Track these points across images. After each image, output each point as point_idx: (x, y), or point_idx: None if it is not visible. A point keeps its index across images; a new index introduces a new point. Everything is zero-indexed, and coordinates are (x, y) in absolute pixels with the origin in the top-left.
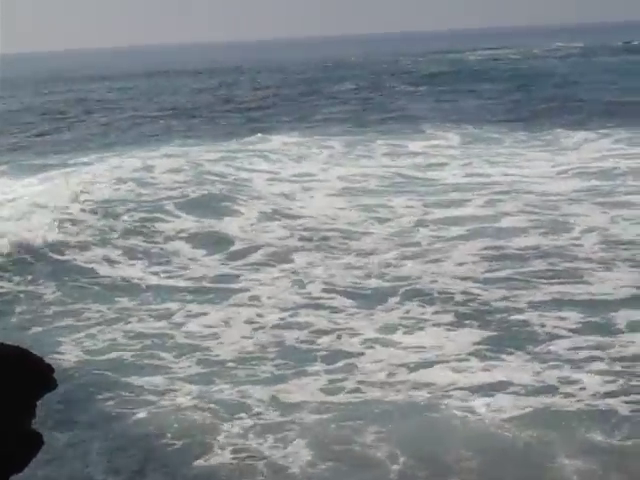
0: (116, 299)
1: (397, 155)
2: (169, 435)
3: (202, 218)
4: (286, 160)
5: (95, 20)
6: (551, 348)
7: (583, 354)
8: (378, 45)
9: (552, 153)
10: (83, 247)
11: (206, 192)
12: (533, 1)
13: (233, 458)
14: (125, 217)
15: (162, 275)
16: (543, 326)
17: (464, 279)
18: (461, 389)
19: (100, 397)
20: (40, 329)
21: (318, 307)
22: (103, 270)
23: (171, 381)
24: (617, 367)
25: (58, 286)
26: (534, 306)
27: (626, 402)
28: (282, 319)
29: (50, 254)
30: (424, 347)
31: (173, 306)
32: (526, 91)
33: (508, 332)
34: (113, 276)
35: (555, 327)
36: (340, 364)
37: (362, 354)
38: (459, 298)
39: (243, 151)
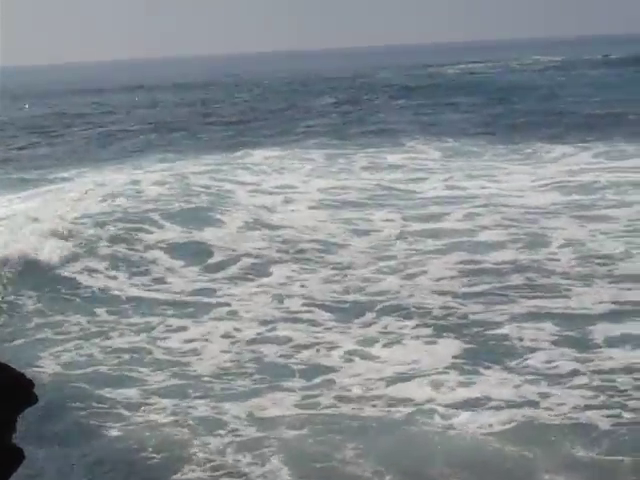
0: (96, 310)
1: (377, 168)
2: (150, 449)
3: (187, 230)
4: (268, 172)
5: (95, 33)
6: (530, 362)
7: (562, 368)
8: (360, 59)
9: (532, 166)
10: (67, 259)
11: (193, 205)
12: (516, 15)
13: (210, 476)
14: (111, 229)
15: (143, 287)
16: (521, 340)
17: (442, 293)
18: (440, 403)
19: (80, 412)
20: (21, 341)
21: (296, 321)
22: (85, 281)
23: (149, 396)
24: (596, 381)
25: (39, 297)
26: (512, 320)
27: (607, 416)
28: (260, 334)
29: (33, 267)
30: (403, 361)
31: (153, 320)
32: (505, 104)
33: (487, 346)
34: (95, 287)
35: (533, 340)
36: (318, 379)
37: (340, 368)
38: (437, 312)
39: (226, 164)
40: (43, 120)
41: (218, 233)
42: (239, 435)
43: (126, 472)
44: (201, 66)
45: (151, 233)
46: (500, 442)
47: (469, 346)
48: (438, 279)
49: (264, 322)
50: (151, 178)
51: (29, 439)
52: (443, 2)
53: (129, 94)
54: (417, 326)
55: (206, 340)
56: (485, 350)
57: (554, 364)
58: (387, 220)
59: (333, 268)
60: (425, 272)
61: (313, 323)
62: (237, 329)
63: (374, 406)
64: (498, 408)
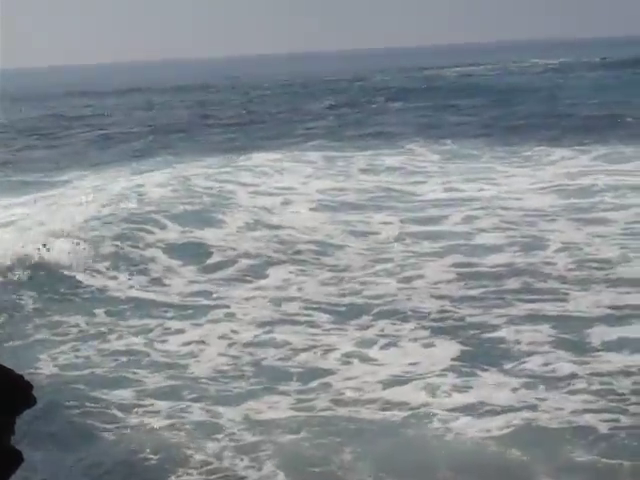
0: (95, 311)
1: (375, 171)
2: (147, 452)
3: (189, 231)
4: (269, 174)
5: (95, 35)
6: (527, 365)
7: (560, 371)
8: (360, 61)
9: (530, 169)
10: (70, 260)
11: (196, 207)
12: (517, 17)
13: (207, 479)
14: (115, 229)
15: (143, 288)
16: (519, 343)
17: (440, 296)
18: (438, 407)
19: (78, 414)
20: (20, 343)
21: (294, 323)
22: (86, 280)
23: (147, 399)
24: (595, 385)
25: (39, 298)
26: (510, 323)
27: (605, 420)
28: (257, 336)
29: (37, 268)
30: (400, 364)
31: (151, 322)
32: (504, 107)
33: (484, 349)
34: (94, 288)
35: (531, 344)
36: (315, 382)
37: (337, 371)
38: (435, 315)
39: (226, 166)
40: (43, 122)
41: (219, 234)
42: (235, 438)
43: (123, 475)
44: (201, 68)
45: (154, 234)
46: (498, 446)
47: (467, 349)
48: (436, 282)
49: (261, 324)
50: (153, 180)
51: (27, 441)
52: (444, 4)
53: (129, 96)
54: (414, 329)
55: (203, 342)
56: (483, 353)
57: (552, 367)
58: (385, 222)
59: (330, 270)
60: (423, 275)
61: (310, 325)
62: (234, 331)
63: (371, 409)
64: (496, 411)
